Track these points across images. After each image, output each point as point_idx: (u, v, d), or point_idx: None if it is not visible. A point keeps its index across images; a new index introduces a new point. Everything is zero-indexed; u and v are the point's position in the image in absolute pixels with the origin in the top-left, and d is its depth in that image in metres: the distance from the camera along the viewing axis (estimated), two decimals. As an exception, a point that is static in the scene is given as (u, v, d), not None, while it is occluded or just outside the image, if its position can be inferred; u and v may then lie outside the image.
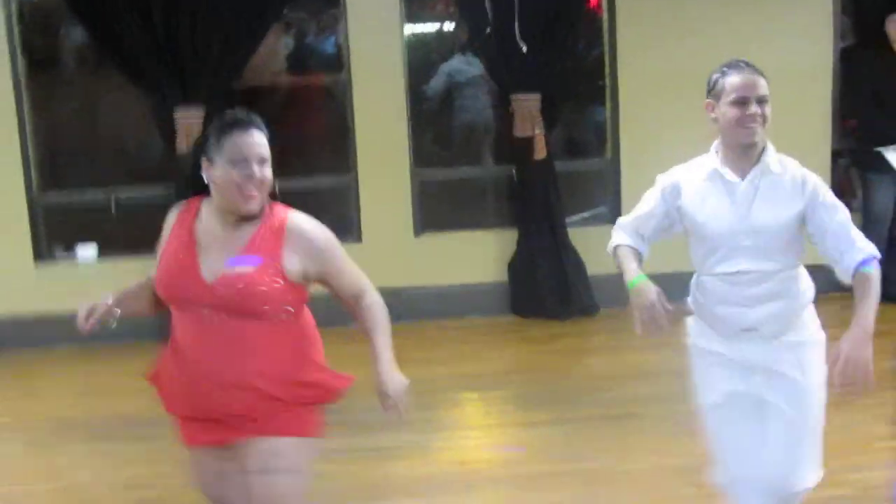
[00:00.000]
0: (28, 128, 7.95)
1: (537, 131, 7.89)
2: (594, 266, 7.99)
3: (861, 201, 8.33)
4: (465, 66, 8.65)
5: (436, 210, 8.36)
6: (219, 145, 3.41)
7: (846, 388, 3.43)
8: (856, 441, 5.44)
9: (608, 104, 8.32)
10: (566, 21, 7.82)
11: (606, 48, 8.28)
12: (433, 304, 8.04)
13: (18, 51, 7.90)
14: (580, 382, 6.62)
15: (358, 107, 8.00)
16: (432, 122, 8.76)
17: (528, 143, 7.90)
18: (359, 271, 3.65)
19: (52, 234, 8.07)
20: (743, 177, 3.72)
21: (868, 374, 3.43)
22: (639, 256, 3.84)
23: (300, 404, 3.59)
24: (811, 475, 3.80)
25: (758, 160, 3.73)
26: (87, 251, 8.02)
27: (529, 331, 7.77)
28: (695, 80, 7.85)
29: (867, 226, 8.11)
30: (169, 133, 7.64)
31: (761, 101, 3.70)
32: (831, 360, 3.47)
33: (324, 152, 8.73)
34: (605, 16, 8.24)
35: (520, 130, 7.93)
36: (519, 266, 8.06)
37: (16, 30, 7.87)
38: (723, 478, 3.92)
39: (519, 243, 8.07)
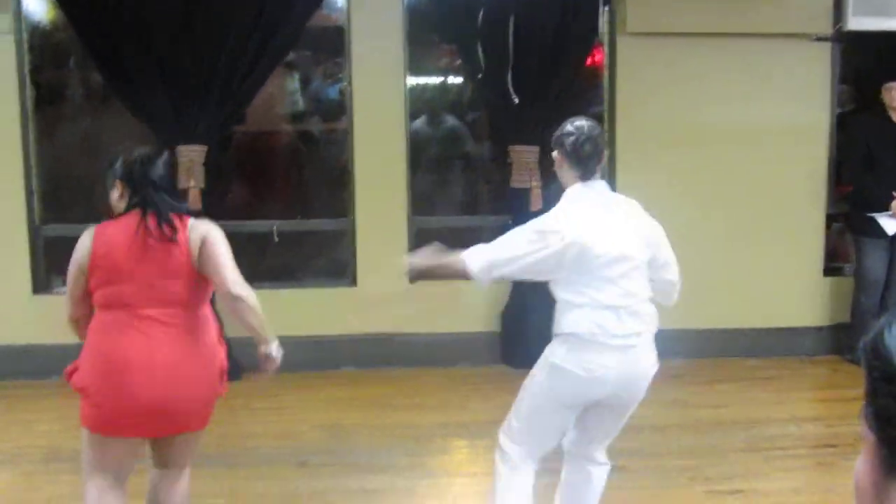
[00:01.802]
0: (32, 159, 7.96)
1: (534, 183, 7.97)
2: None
3: (854, 266, 8.41)
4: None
5: (431, 258, 8.40)
6: None
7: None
8: (845, 503, 5.49)
9: (605, 158, 8.40)
10: (563, 75, 7.92)
11: (606, 104, 8.38)
12: (424, 352, 8.09)
13: (28, 80, 7.92)
14: (568, 434, 6.65)
15: (358, 153, 8.07)
16: (431, 171, 8.84)
17: (525, 194, 7.99)
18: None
19: (51, 267, 8.12)
20: None
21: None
22: None
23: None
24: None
25: None
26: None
27: (519, 381, 7.72)
28: (692, 136, 8.07)
29: (860, 290, 8.20)
30: (171, 169, 7.71)
31: None
32: None
33: (323, 196, 8.80)
34: (605, 72, 8.36)
35: (517, 181, 8.02)
36: (510, 316, 8.11)
37: (25, 59, 7.88)
38: None
39: (511, 294, 8.12)
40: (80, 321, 4.35)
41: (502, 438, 4.52)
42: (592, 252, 4.20)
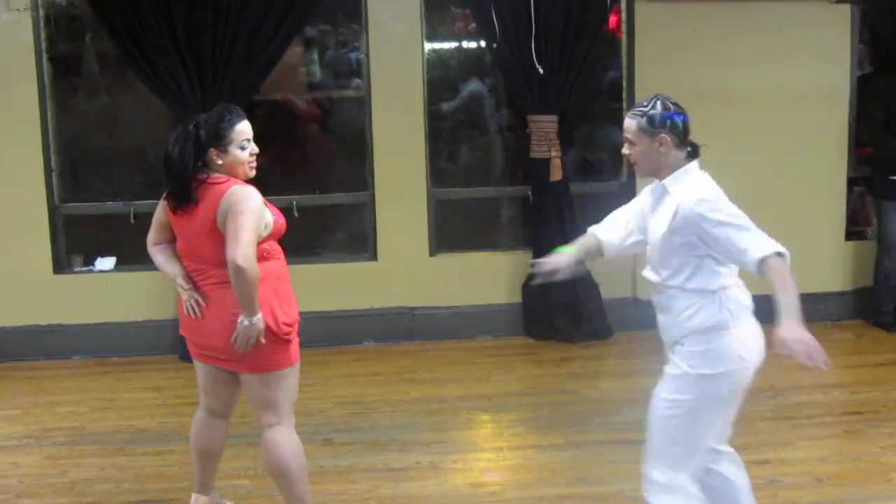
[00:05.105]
0: (51, 136, 7.93)
1: (553, 153, 7.91)
2: (608, 289, 8.00)
3: (876, 229, 8.35)
4: (481, 86, 8.70)
5: (451, 230, 8.40)
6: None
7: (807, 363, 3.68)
8: (873, 471, 5.51)
9: (625, 126, 8.33)
10: (584, 42, 7.83)
11: (624, 70, 8.29)
12: (446, 325, 8.08)
13: (45, 56, 7.86)
14: (592, 406, 6.63)
15: (376, 124, 8.02)
16: (449, 142, 8.76)
17: (545, 164, 7.93)
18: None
19: (71, 246, 8.10)
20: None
21: (816, 347, 3.68)
22: (592, 240, 4.39)
23: None
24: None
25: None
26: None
27: (542, 353, 7.79)
28: (710, 101, 7.97)
29: (883, 253, 8.14)
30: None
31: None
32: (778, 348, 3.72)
33: (341, 169, 8.75)
34: (623, 37, 8.27)
35: (536, 152, 7.96)
36: (533, 288, 8.07)
37: (42, 34, 7.80)
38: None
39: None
40: None
41: (660, 479, 4.00)
42: None
